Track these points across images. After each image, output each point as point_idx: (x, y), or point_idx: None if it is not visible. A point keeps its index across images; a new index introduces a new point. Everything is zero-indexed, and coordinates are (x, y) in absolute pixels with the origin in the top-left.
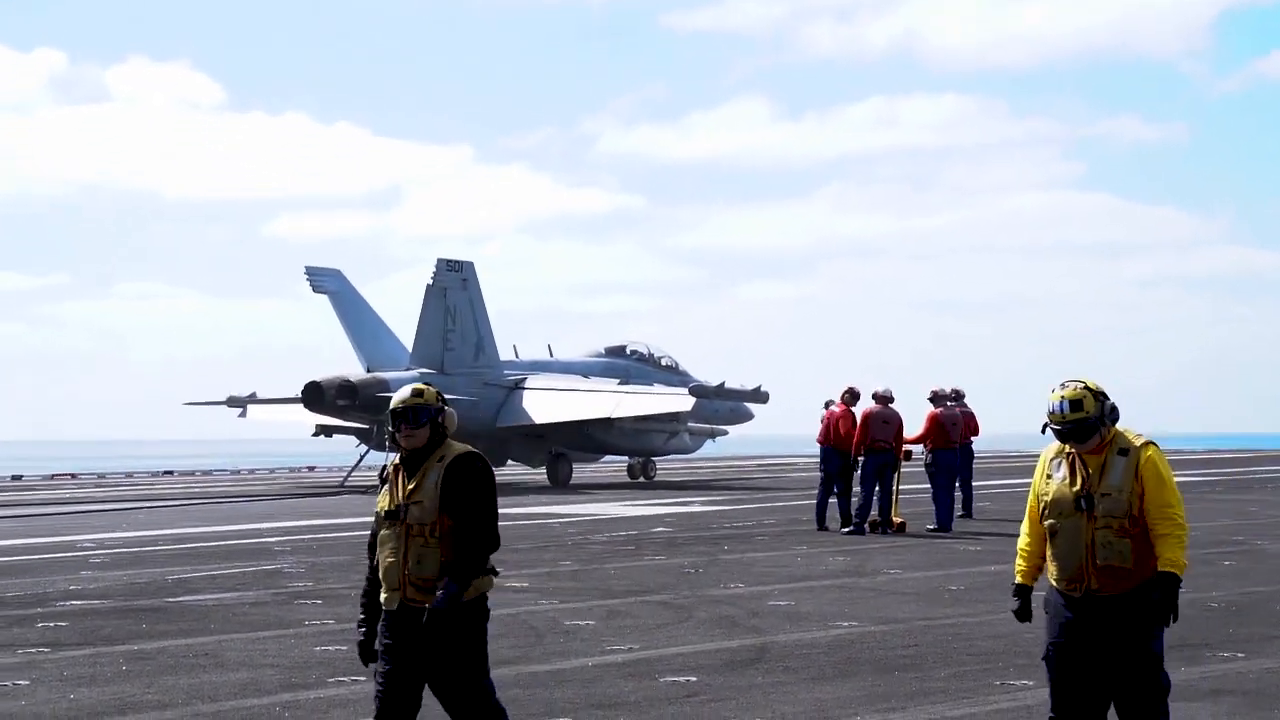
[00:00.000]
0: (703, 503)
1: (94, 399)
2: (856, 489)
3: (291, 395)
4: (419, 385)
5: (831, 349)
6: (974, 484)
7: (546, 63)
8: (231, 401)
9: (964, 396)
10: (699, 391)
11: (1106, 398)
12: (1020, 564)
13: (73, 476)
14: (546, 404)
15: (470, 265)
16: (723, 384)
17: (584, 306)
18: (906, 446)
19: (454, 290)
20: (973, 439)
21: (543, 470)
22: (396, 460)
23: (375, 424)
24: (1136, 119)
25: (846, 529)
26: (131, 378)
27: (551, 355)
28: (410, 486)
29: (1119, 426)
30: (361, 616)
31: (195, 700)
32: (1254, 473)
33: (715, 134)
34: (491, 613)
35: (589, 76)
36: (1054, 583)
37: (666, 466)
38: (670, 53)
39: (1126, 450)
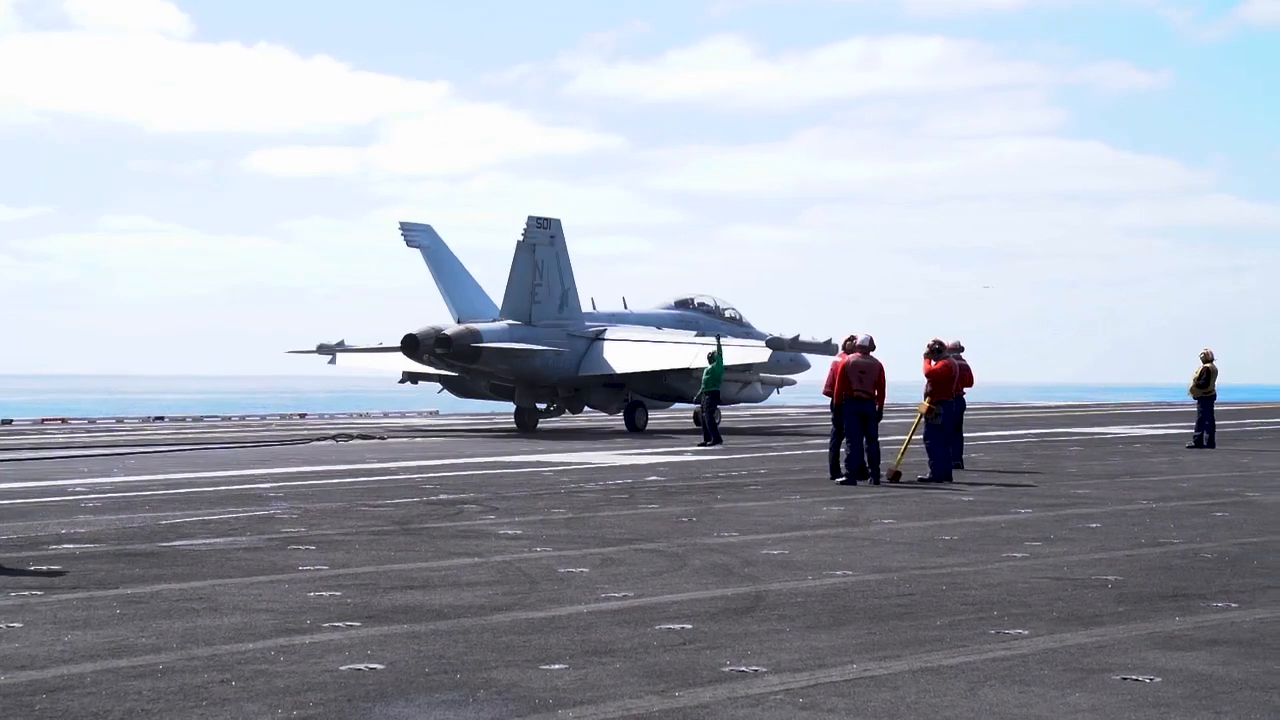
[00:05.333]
0: (694, 452)
1: (87, 334)
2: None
3: (376, 345)
4: None
5: (820, 295)
6: (964, 435)
7: None
8: (322, 349)
9: (963, 350)
10: (776, 344)
11: None
12: None
13: (63, 421)
14: (628, 354)
15: (558, 222)
16: (797, 336)
17: (571, 248)
18: (932, 406)
19: (542, 246)
20: (965, 391)
21: (618, 417)
22: None
23: (465, 372)
24: (1122, 65)
25: (839, 479)
26: (122, 312)
27: (626, 307)
28: None
29: None
30: None
31: (190, 644)
32: (1245, 425)
33: (694, 74)
34: (486, 560)
35: (566, 11)
36: None
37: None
38: None
39: None
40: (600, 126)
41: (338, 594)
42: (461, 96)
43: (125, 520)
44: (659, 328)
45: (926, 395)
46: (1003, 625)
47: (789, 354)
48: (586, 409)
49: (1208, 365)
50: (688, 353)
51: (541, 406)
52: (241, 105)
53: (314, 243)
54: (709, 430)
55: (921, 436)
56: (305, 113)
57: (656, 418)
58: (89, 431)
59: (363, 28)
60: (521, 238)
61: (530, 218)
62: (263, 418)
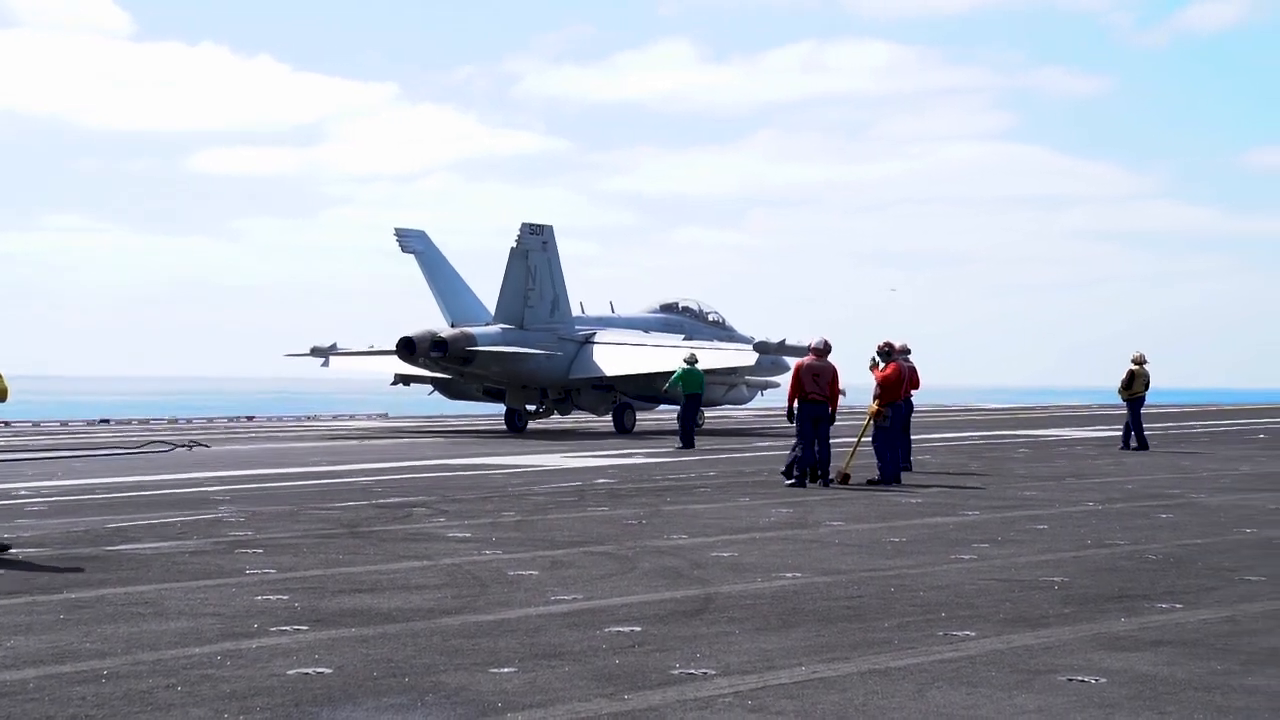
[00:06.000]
0: (644, 454)
1: (29, 332)
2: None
3: (368, 348)
4: None
5: (772, 297)
6: (912, 437)
7: None
8: (315, 351)
9: (910, 352)
10: (763, 348)
11: None
12: None
13: (6, 424)
14: (617, 357)
15: (550, 229)
16: (783, 341)
17: None
18: (881, 409)
19: (535, 252)
20: (912, 393)
21: (607, 419)
22: None
23: (459, 374)
24: (1066, 70)
25: (789, 481)
26: (66, 311)
27: (613, 311)
28: None
29: None
30: None
31: (135, 649)
32: (1189, 428)
33: (641, 76)
34: (435, 563)
35: (511, 12)
36: None
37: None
38: None
39: None
40: (549, 128)
41: (285, 598)
42: (409, 97)
43: (70, 524)
44: (646, 331)
45: (875, 398)
46: (950, 627)
47: (770, 357)
48: (576, 410)
49: (1132, 368)
50: (674, 356)
51: (531, 408)
52: (184, 104)
53: (264, 242)
54: (687, 433)
55: (870, 439)
56: (249, 113)
57: (644, 419)
58: (33, 434)
59: (304, 29)
60: (515, 244)
61: (524, 224)
62: (209, 420)
